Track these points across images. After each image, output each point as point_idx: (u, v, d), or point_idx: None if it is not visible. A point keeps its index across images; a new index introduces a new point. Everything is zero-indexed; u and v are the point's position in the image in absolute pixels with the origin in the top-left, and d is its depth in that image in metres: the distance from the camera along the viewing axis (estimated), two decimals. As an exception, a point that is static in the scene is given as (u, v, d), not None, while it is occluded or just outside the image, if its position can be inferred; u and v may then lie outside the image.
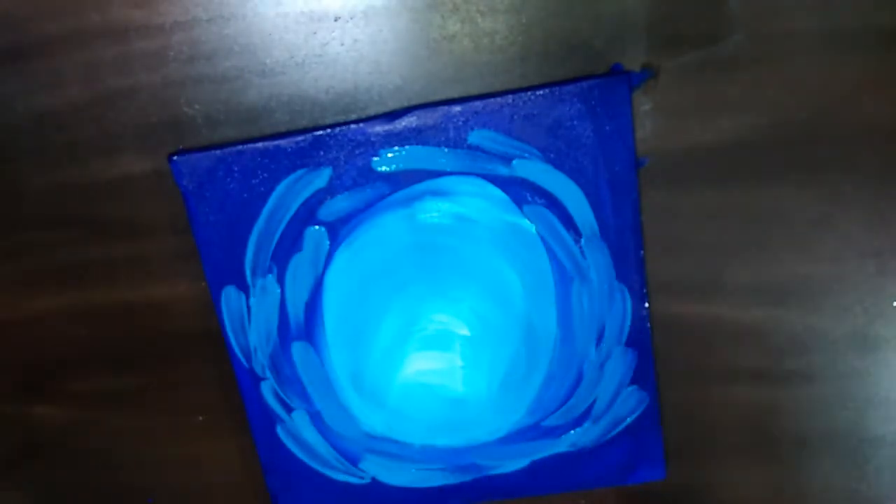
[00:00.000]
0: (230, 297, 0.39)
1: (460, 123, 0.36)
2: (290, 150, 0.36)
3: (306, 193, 0.37)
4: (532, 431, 0.41)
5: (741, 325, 0.39)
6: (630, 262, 0.38)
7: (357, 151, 0.37)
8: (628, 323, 0.39)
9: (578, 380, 0.40)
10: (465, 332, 0.39)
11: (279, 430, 0.41)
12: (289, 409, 0.41)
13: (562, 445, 0.41)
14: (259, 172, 0.37)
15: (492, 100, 0.36)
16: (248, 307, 0.39)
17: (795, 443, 0.41)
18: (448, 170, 0.37)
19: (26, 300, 0.41)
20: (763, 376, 0.40)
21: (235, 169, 0.37)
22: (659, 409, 0.40)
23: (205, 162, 0.37)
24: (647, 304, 0.39)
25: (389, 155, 0.37)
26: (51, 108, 0.37)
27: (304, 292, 0.39)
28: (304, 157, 0.37)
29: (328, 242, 0.38)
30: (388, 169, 0.37)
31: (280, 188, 0.37)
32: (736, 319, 0.39)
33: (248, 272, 0.38)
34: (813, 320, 0.39)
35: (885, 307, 0.39)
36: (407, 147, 0.36)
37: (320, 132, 0.36)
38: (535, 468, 0.41)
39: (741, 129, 0.36)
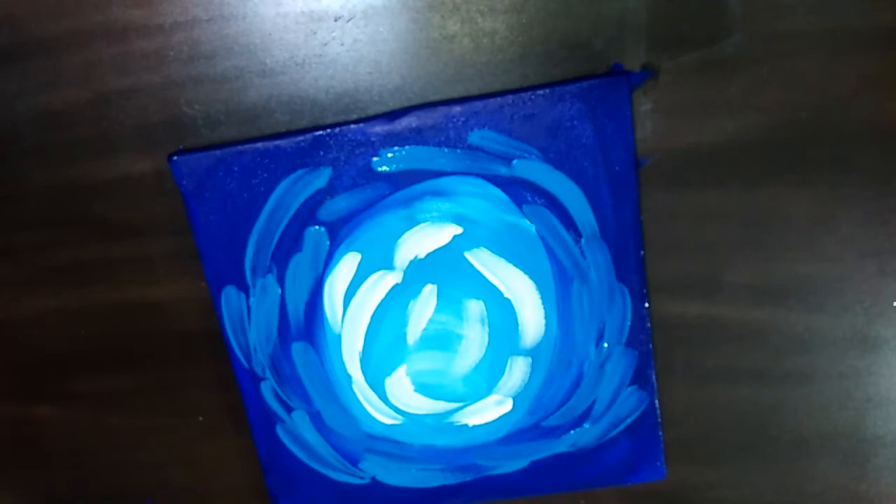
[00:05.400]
0: (230, 297, 0.39)
1: (460, 123, 0.36)
2: (290, 150, 0.36)
3: (306, 193, 0.37)
4: (532, 431, 0.41)
5: (741, 325, 0.39)
6: (630, 262, 0.38)
7: (357, 151, 0.37)
8: (628, 323, 0.39)
9: (578, 380, 0.40)
10: (465, 332, 0.39)
11: (279, 430, 0.41)
12: (289, 409, 0.41)
13: (562, 445, 0.41)
14: (259, 172, 0.37)
15: (492, 100, 0.36)
16: (248, 307, 0.39)
17: (795, 443, 0.41)
18: (448, 170, 0.37)
19: (26, 300, 0.41)
20: (763, 376, 0.40)
21: (235, 169, 0.37)
22: (659, 409, 0.40)
23: (205, 162, 0.37)
24: (647, 304, 0.39)
25: (389, 155, 0.37)
26: (51, 108, 0.37)
27: (304, 292, 0.39)
28: (304, 157, 0.37)
29: (328, 242, 0.38)
30: (388, 169, 0.37)
31: (280, 188, 0.37)
32: (736, 319, 0.39)
33: (248, 272, 0.38)
34: (813, 320, 0.39)
35: (885, 307, 0.39)
36: (407, 147, 0.36)
37: (320, 132, 0.36)
38: (535, 468, 0.41)
39: (741, 129, 0.36)
